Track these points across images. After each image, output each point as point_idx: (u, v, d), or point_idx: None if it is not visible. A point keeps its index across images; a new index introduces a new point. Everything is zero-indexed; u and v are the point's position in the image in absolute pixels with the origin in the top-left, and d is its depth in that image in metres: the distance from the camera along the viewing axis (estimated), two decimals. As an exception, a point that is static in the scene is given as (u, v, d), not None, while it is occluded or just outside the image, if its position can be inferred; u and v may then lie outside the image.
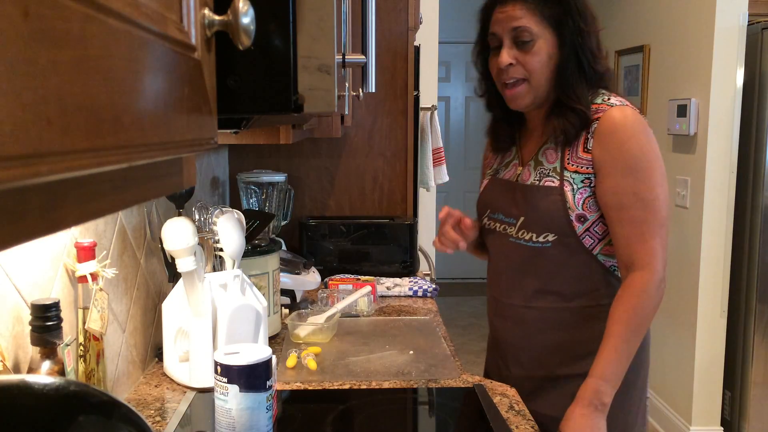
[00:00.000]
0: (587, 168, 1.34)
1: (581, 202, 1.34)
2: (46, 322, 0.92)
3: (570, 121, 1.33)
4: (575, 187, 1.35)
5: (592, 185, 1.34)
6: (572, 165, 1.35)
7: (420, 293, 2.13)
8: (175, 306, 1.39)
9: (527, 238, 1.39)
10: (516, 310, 1.45)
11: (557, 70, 1.34)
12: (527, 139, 1.48)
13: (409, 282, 2.17)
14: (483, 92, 1.49)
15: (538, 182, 1.39)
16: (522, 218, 1.40)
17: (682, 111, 3.02)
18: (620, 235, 1.31)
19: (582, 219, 1.35)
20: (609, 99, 1.35)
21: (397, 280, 2.19)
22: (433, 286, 2.14)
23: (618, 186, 1.30)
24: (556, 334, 1.41)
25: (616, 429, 1.34)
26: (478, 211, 1.55)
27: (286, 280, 1.94)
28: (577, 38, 1.32)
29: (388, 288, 2.14)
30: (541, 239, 1.38)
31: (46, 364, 0.93)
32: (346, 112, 1.18)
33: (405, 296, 2.13)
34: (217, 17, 0.49)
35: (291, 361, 1.51)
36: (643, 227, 1.29)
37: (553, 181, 1.37)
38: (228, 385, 1.07)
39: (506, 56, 1.33)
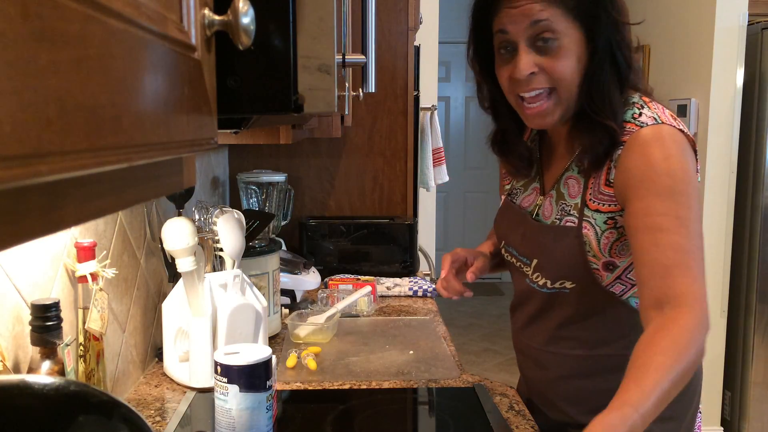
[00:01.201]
0: (610, 205, 1.09)
1: (608, 247, 1.10)
2: (46, 322, 0.92)
3: (598, 137, 1.07)
4: (598, 230, 1.10)
5: (618, 226, 1.09)
6: (594, 202, 1.10)
7: (420, 293, 2.13)
8: (175, 306, 1.39)
9: (541, 283, 1.18)
10: (535, 351, 1.27)
11: (587, 76, 1.07)
12: (549, 156, 1.23)
13: (410, 282, 2.17)
14: (489, 102, 1.22)
15: (558, 221, 1.15)
16: (535, 261, 1.18)
17: (682, 111, 3.02)
18: (657, 262, 0.99)
19: (610, 267, 1.11)
20: (640, 115, 1.07)
21: (397, 280, 2.19)
22: (433, 286, 2.14)
23: (654, 207, 1.01)
24: (579, 381, 1.21)
25: None
26: (496, 235, 1.35)
27: (286, 280, 1.94)
28: (614, 35, 1.05)
29: (388, 288, 2.14)
30: (557, 286, 1.15)
31: (46, 364, 0.93)
32: (346, 112, 1.18)
33: (405, 296, 2.13)
34: (217, 17, 0.49)
35: (291, 361, 1.51)
36: (688, 257, 0.99)
37: (573, 221, 1.12)
38: (228, 385, 1.07)
39: (526, 63, 1.05)
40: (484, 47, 1.15)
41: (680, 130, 1.07)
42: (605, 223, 1.09)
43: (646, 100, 1.10)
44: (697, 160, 1.10)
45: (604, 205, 1.09)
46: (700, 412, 1.25)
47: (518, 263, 1.24)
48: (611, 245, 1.09)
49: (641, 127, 1.05)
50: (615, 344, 1.16)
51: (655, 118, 1.06)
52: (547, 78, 1.06)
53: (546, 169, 1.22)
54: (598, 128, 1.06)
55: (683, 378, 0.94)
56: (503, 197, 1.34)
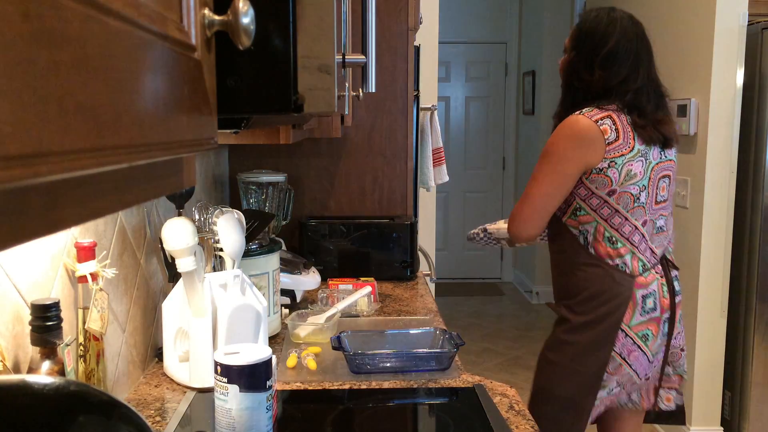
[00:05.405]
0: None
1: None
2: (46, 322, 0.92)
3: None
4: None
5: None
6: None
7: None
8: (175, 306, 1.39)
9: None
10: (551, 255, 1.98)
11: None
12: None
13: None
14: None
15: None
16: None
17: (682, 111, 3.02)
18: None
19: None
20: (582, 112, 1.73)
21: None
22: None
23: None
24: (560, 276, 1.88)
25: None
26: None
27: (286, 280, 1.94)
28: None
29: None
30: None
31: (46, 364, 0.93)
32: (346, 112, 1.18)
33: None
34: (217, 17, 0.49)
35: (291, 361, 1.51)
36: (525, 197, 1.79)
37: None
38: (228, 385, 1.07)
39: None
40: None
41: (595, 122, 1.70)
42: None
43: (598, 106, 1.76)
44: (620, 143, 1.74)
45: None
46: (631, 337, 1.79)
47: None
48: None
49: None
50: (566, 252, 1.84)
51: (581, 112, 1.73)
52: None
53: None
54: None
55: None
56: None
